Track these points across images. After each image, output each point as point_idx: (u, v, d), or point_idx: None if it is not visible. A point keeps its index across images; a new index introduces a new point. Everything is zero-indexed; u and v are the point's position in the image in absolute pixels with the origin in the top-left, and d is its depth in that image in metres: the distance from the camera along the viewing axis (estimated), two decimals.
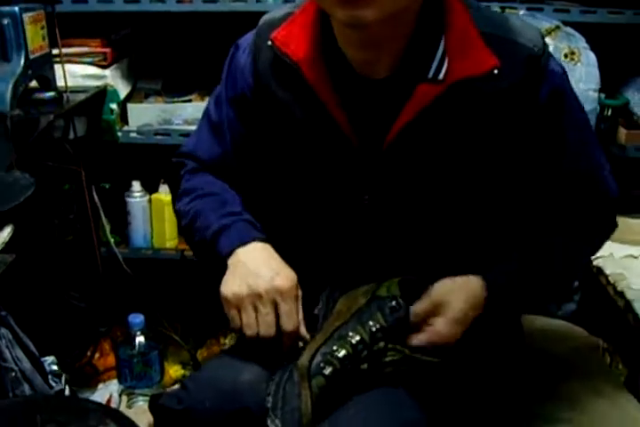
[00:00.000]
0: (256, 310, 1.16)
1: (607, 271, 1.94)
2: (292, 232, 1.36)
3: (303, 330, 1.20)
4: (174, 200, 1.39)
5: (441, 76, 1.12)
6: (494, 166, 1.19)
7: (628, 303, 1.78)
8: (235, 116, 1.32)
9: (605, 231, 1.35)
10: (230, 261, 1.21)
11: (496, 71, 1.11)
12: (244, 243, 1.22)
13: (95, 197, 2.36)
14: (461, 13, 1.14)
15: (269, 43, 1.21)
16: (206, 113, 1.39)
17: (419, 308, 1.19)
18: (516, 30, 1.15)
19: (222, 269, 1.21)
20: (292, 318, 1.17)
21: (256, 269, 1.18)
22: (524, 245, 1.26)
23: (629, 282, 1.86)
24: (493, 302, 1.19)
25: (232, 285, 1.18)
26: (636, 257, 2.05)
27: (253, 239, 1.23)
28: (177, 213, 1.37)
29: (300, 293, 1.20)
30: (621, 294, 1.83)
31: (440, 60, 1.12)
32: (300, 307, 1.19)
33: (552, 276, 1.27)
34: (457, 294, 1.18)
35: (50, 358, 1.71)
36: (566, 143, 1.20)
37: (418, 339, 1.17)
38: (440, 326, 1.16)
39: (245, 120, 1.31)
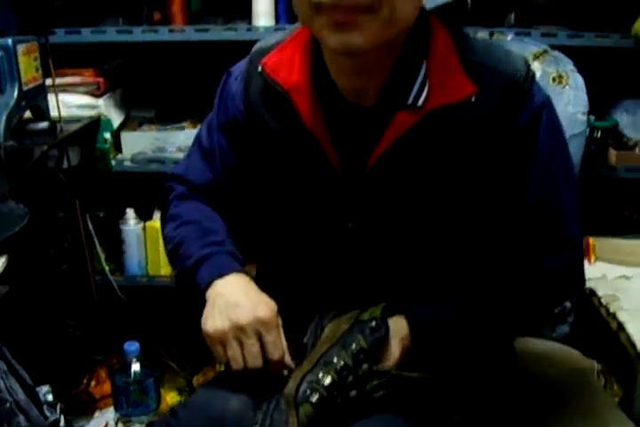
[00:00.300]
0: (240, 342, 1.16)
1: (600, 293, 1.94)
2: (279, 258, 1.37)
3: (288, 358, 1.20)
4: (162, 224, 1.40)
5: (420, 102, 1.13)
6: (471, 192, 1.19)
7: (621, 325, 1.78)
8: (226, 142, 1.34)
9: (567, 282, 1.29)
10: (208, 294, 1.20)
11: (473, 98, 1.12)
12: (221, 275, 1.22)
13: (89, 225, 2.38)
14: (444, 40, 1.15)
15: (260, 69, 1.23)
16: (198, 138, 1.40)
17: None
18: (498, 58, 1.16)
19: (201, 299, 1.21)
20: (278, 347, 1.17)
21: (235, 301, 1.17)
22: (468, 286, 1.24)
23: (622, 303, 1.87)
24: (419, 341, 1.21)
25: (213, 320, 1.17)
26: (628, 278, 2.05)
27: (231, 271, 1.23)
28: (163, 237, 1.38)
29: (280, 321, 1.20)
30: (614, 316, 1.83)
31: (420, 87, 1.13)
32: (283, 335, 1.20)
33: (494, 320, 1.24)
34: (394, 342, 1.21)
35: (45, 388, 1.70)
36: (532, 173, 1.19)
37: None
38: None
39: (236, 147, 1.33)
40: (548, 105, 1.19)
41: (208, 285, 1.21)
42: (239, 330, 1.15)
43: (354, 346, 1.17)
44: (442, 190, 1.19)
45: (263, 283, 1.26)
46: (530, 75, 1.16)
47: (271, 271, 1.39)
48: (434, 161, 1.16)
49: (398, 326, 1.21)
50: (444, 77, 1.13)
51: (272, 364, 1.17)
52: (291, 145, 1.23)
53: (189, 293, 1.26)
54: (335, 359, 1.16)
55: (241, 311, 1.16)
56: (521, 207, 1.20)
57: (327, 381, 1.14)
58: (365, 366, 1.16)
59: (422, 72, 1.14)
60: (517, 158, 1.18)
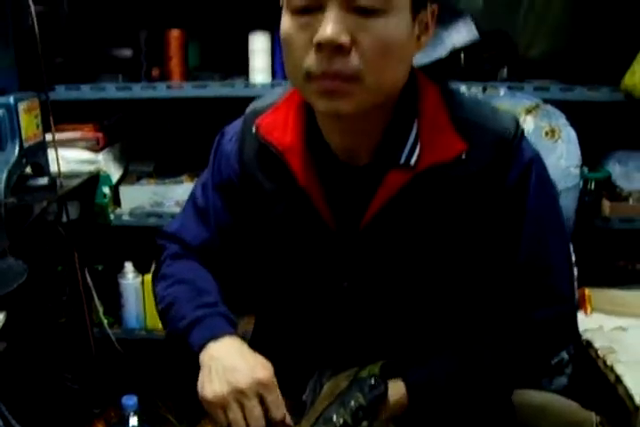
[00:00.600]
0: (241, 405, 1.13)
1: (596, 345, 1.94)
2: (277, 314, 1.38)
3: (288, 418, 1.19)
4: (154, 282, 1.39)
5: (412, 162, 1.15)
6: (464, 248, 1.21)
7: (618, 378, 1.78)
8: (221, 202, 1.35)
9: (558, 335, 1.29)
10: (202, 357, 1.18)
11: (464, 156, 1.14)
12: (215, 338, 1.20)
13: (88, 278, 2.38)
14: (434, 98, 1.18)
15: (254, 130, 1.26)
16: (192, 196, 1.40)
17: None
18: (487, 115, 1.19)
19: (194, 358, 1.20)
20: (280, 407, 1.15)
21: (232, 365, 1.15)
22: (458, 343, 1.25)
23: (618, 355, 1.86)
24: (416, 400, 1.22)
25: (211, 385, 1.14)
26: (624, 329, 2.05)
27: (225, 334, 1.21)
28: (155, 295, 1.36)
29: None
30: (611, 368, 1.83)
31: (412, 147, 1.15)
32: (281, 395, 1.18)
33: (485, 376, 1.25)
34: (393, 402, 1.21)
35: None
36: (523, 232, 1.20)
37: None
38: None
39: (231, 207, 1.34)
40: (537, 160, 1.21)
41: (201, 347, 1.20)
42: (239, 393, 1.13)
43: (352, 403, 1.17)
44: (435, 247, 1.20)
45: (261, 336, 1.26)
46: (519, 132, 1.18)
47: (269, 326, 1.40)
48: (426, 219, 1.18)
49: (396, 388, 1.22)
50: (434, 136, 1.15)
51: (275, 424, 1.16)
52: (285, 205, 1.25)
53: (182, 352, 1.24)
54: (335, 417, 1.16)
55: (239, 375, 1.14)
56: (512, 263, 1.22)
57: None
58: (365, 423, 1.17)
59: (413, 132, 1.16)
60: (508, 215, 1.20)
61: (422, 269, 1.22)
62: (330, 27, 1.01)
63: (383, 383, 1.20)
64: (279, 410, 1.15)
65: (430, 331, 1.27)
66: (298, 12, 1.05)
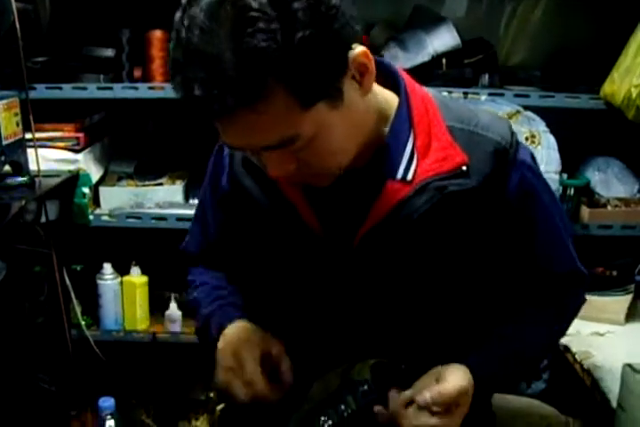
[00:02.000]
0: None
1: (574, 349, 1.96)
2: (278, 311, 1.38)
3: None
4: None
5: (409, 176, 1.13)
6: (466, 258, 1.21)
7: (595, 382, 1.80)
8: (218, 214, 1.36)
9: (577, 307, 1.37)
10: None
11: (464, 168, 1.13)
12: (225, 326, 1.24)
13: (66, 279, 2.36)
14: (428, 109, 1.16)
15: None
16: (196, 209, 1.44)
17: (419, 384, 1.16)
18: (483, 124, 1.17)
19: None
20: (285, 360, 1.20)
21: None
22: (501, 327, 1.27)
23: (595, 360, 1.88)
24: (480, 386, 1.19)
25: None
26: (601, 334, 2.08)
27: (234, 319, 1.25)
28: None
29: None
30: (588, 373, 1.84)
31: (409, 160, 1.13)
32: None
33: (531, 353, 1.29)
34: (455, 372, 1.16)
35: None
36: (537, 235, 1.22)
37: (423, 395, 1.12)
38: (445, 384, 1.13)
39: (228, 217, 1.34)
40: (533, 161, 1.21)
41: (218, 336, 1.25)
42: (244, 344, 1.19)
43: (343, 407, 1.17)
44: (435, 257, 1.19)
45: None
46: (514, 139, 1.17)
47: (272, 320, 1.40)
48: (425, 230, 1.16)
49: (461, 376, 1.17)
50: (431, 148, 1.14)
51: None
52: (275, 217, 1.23)
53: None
54: (322, 418, 1.16)
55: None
56: (531, 261, 1.25)
57: None
58: None
59: (409, 144, 1.14)
60: (517, 222, 1.20)
61: (419, 278, 1.21)
62: (272, 171, 1.05)
63: (377, 390, 1.19)
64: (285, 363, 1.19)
65: (426, 330, 1.26)
66: None
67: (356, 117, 1.06)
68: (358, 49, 0.99)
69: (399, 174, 1.13)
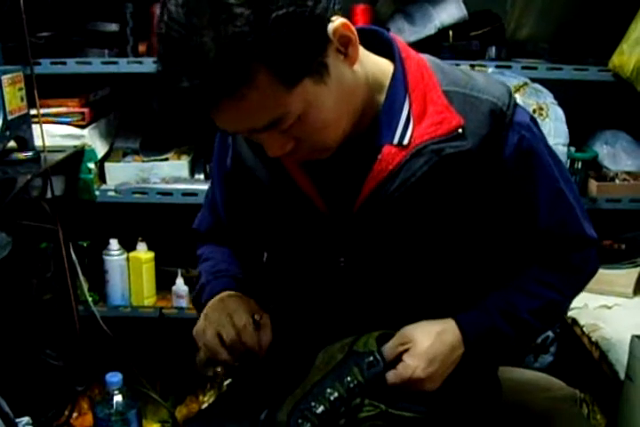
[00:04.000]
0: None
1: (582, 322, 1.96)
2: (277, 291, 1.39)
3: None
4: None
5: (405, 141, 1.13)
6: (467, 222, 1.20)
7: (603, 354, 1.79)
8: (225, 190, 1.38)
9: (587, 273, 1.35)
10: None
11: (460, 130, 1.13)
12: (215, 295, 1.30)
13: (73, 255, 2.37)
14: (424, 74, 1.15)
15: None
16: (208, 189, 1.47)
17: (388, 345, 1.20)
18: (479, 87, 1.16)
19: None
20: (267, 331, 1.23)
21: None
22: (501, 288, 1.27)
23: (603, 332, 1.88)
24: (471, 339, 1.21)
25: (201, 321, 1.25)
26: (609, 307, 2.07)
27: (225, 290, 1.30)
28: None
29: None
30: (596, 345, 1.84)
31: (405, 125, 1.14)
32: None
33: (531, 314, 1.27)
34: (423, 330, 1.20)
35: (25, 419, 1.69)
36: (539, 197, 1.21)
37: (390, 376, 1.18)
38: (408, 360, 1.18)
39: (233, 194, 1.35)
40: (533, 123, 1.21)
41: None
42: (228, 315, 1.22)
43: (349, 378, 1.17)
44: (435, 222, 1.19)
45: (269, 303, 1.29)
46: (512, 101, 1.16)
47: (270, 301, 1.40)
48: (424, 194, 1.16)
49: (441, 326, 1.23)
50: (427, 112, 1.14)
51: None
52: (277, 191, 1.23)
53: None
54: (329, 390, 1.16)
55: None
56: (535, 224, 1.24)
57: (320, 410, 1.15)
58: (359, 399, 1.17)
59: (405, 109, 1.14)
60: (518, 183, 1.20)
61: (420, 243, 1.21)
62: (270, 151, 1.07)
63: (382, 361, 1.19)
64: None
65: (428, 300, 1.26)
66: None
67: (346, 89, 1.07)
68: (338, 21, 1.00)
69: (395, 139, 1.14)
